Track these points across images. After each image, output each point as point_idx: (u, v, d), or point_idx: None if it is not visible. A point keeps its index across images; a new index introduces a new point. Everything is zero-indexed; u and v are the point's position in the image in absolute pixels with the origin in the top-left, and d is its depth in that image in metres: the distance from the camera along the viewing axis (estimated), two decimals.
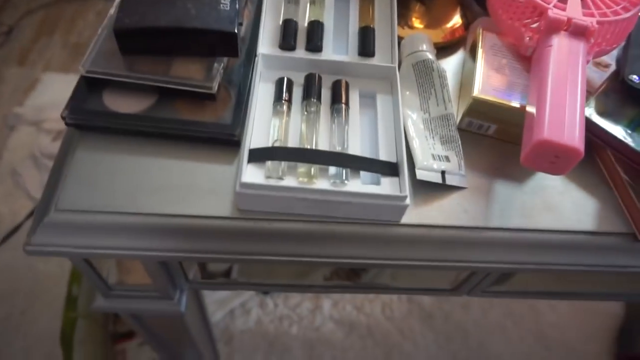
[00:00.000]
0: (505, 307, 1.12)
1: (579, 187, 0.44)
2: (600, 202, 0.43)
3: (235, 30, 0.41)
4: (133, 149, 0.41)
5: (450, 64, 0.51)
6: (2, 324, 1.11)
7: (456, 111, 0.46)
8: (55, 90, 1.64)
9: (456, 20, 0.54)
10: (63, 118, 0.41)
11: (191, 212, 0.38)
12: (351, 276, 0.56)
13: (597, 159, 0.45)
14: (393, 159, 0.40)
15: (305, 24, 0.48)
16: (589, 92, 0.47)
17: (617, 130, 0.43)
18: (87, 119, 0.41)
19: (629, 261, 0.41)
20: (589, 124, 0.44)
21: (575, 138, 0.36)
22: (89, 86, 0.43)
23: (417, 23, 0.53)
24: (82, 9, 1.93)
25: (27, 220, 1.31)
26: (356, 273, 0.56)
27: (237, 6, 0.43)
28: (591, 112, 0.44)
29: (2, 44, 1.78)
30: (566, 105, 0.38)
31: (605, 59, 0.50)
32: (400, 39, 0.49)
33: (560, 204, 0.42)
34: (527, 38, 0.45)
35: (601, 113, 0.44)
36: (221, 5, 0.42)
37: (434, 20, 0.53)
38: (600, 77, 0.50)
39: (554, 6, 0.43)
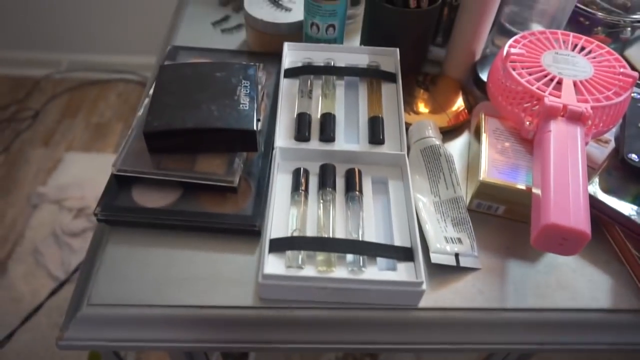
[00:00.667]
0: None
1: (592, 264, 0.45)
2: (614, 279, 0.44)
3: (255, 128, 0.45)
4: (161, 242, 0.44)
5: (457, 147, 0.54)
6: None
7: (465, 193, 0.49)
8: (77, 169, 1.71)
9: (459, 104, 0.57)
10: (95, 215, 0.44)
11: (216, 303, 0.40)
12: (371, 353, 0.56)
13: (607, 235, 0.47)
14: (407, 244, 0.42)
15: (318, 116, 0.51)
16: (592, 169, 0.50)
17: (623, 207, 0.45)
18: (117, 214, 0.44)
19: None
20: (596, 202, 0.45)
21: (581, 221, 0.38)
22: (119, 183, 0.46)
23: (422, 108, 0.56)
24: (103, 91, 2.04)
25: (47, 301, 1.32)
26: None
27: (255, 105, 0.47)
28: (596, 190, 0.46)
29: (29, 127, 1.87)
30: (570, 189, 0.40)
31: (606, 135, 0.53)
32: (407, 125, 0.53)
33: (574, 282, 0.43)
34: (527, 123, 0.48)
35: (606, 190, 0.46)
36: (241, 105, 0.46)
37: (438, 106, 0.56)
38: (601, 152, 0.52)
39: (550, 94, 0.46)
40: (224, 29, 0.67)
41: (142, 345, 0.39)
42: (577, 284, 0.43)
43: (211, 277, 0.41)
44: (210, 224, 0.44)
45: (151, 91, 0.49)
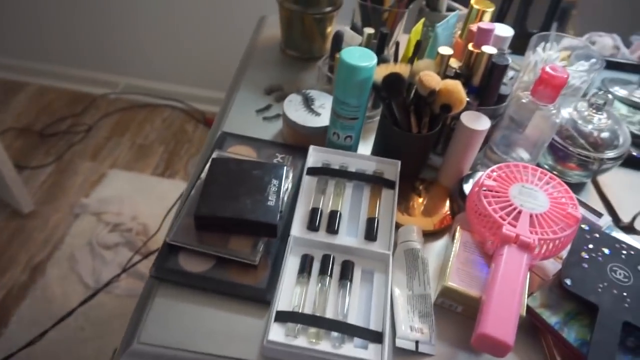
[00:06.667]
0: None
1: None
2: None
3: (277, 223, 0.59)
4: (195, 299, 0.58)
5: (437, 247, 0.67)
6: None
7: (434, 289, 0.61)
8: (118, 185, 1.86)
9: (445, 211, 0.70)
10: (150, 273, 0.58)
11: (229, 354, 0.53)
12: None
13: (541, 340, 0.58)
14: (380, 328, 0.55)
15: (328, 211, 0.65)
16: (544, 280, 0.62)
17: (554, 321, 0.57)
18: (166, 274, 0.58)
19: None
20: (534, 313, 0.57)
21: (508, 334, 0.50)
22: (170, 249, 0.60)
23: (414, 211, 0.70)
24: (151, 115, 2.22)
25: (80, 307, 1.46)
26: None
27: (279, 202, 0.61)
28: (536, 304, 0.58)
29: (81, 140, 2.06)
30: (506, 306, 0.52)
31: (563, 253, 0.65)
32: (399, 225, 0.66)
33: None
34: (489, 242, 0.60)
35: (544, 305, 0.58)
36: (269, 201, 0.61)
37: (426, 211, 0.70)
38: (555, 267, 0.64)
39: (508, 222, 0.59)
40: (265, 117, 0.83)
41: None
42: None
43: (228, 333, 0.55)
44: (234, 292, 0.58)
45: (203, 175, 0.64)
